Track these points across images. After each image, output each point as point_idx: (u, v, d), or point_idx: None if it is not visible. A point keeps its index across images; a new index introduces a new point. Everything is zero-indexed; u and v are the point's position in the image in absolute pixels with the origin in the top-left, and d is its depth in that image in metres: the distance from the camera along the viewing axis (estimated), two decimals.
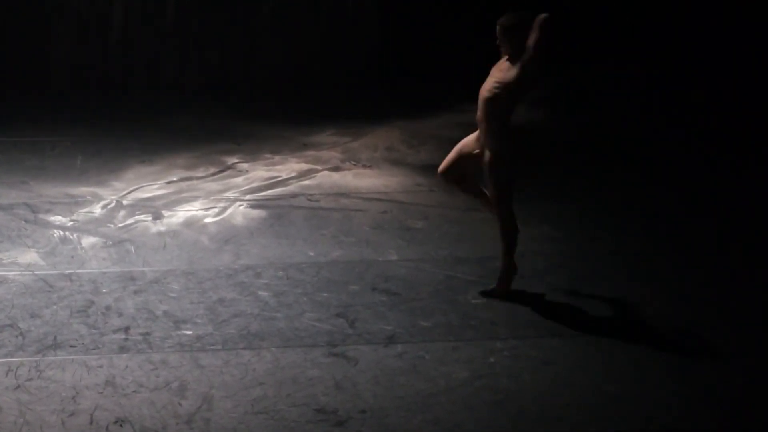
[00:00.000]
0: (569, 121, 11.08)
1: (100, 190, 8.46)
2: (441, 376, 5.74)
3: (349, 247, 7.50)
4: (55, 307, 6.38)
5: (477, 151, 6.62)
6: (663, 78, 12.13)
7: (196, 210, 8.12)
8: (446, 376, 5.75)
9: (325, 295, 6.69)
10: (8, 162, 9.11)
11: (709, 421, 5.45)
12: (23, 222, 7.71)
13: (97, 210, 8.03)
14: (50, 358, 5.76)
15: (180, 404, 5.37)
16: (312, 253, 7.36)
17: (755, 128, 10.69)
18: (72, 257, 7.13)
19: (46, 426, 5.13)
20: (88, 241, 7.42)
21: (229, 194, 8.49)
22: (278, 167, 9.22)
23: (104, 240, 7.45)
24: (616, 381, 5.77)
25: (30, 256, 7.10)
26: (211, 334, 6.11)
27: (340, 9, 12.34)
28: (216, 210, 8.12)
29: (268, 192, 8.59)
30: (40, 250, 7.22)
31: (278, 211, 8.15)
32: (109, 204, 8.15)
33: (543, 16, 6.29)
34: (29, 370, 5.62)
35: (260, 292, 6.69)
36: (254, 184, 8.74)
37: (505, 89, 6.41)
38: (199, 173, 9.01)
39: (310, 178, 9.00)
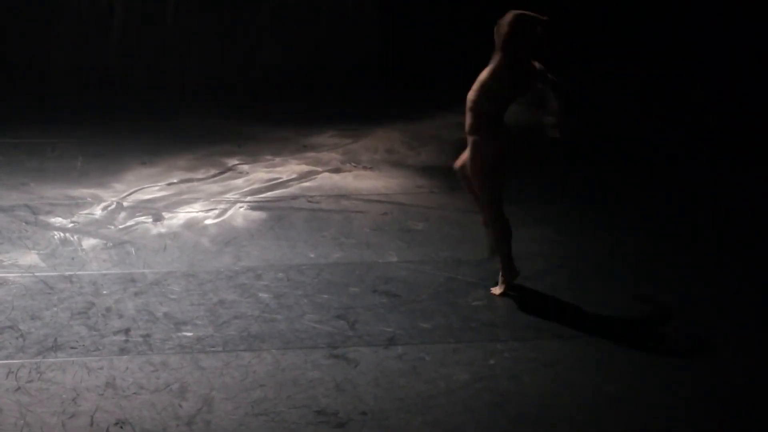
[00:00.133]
0: (569, 122, 11.05)
1: (100, 192, 8.46)
2: (441, 378, 5.74)
3: (350, 248, 7.50)
4: (55, 308, 6.38)
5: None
6: (662, 78, 12.12)
7: (197, 212, 8.12)
8: (446, 377, 5.75)
9: (325, 296, 6.69)
10: (8, 163, 9.11)
11: (709, 422, 5.45)
12: (24, 224, 7.71)
13: (98, 212, 8.03)
14: (51, 359, 5.77)
15: (180, 406, 5.38)
16: (312, 255, 7.36)
17: (755, 128, 10.68)
18: (72, 259, 7.14)
19: (47, 428, 5.14)
20: (88, 242, 7.43)
21: (230, 196, 8.50)
22: (279, 169, 9.22)
23: (105, 242, 7.45)
24: (617, 382, 5.77)
25: (30, 258, 7.11)
26: (211, 336, 6.11)
27: (339, 10, 12.34)
28: (216, 212, 8.13)
29: (269, 194, 8.60)
30: (41, 251, 7.22)
31: (279, 213, 8.15)
32: (109, 206, 8.15)
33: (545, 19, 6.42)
34: (30, 372, 5.63)
35: (261, 294, 6.69)
36: (255, 186, 8.75)
37: (481, 83, 6.55)
38: (200, 175, 9.01)
39: (310, 179, 9.00)
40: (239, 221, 7.96)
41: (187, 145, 9.80)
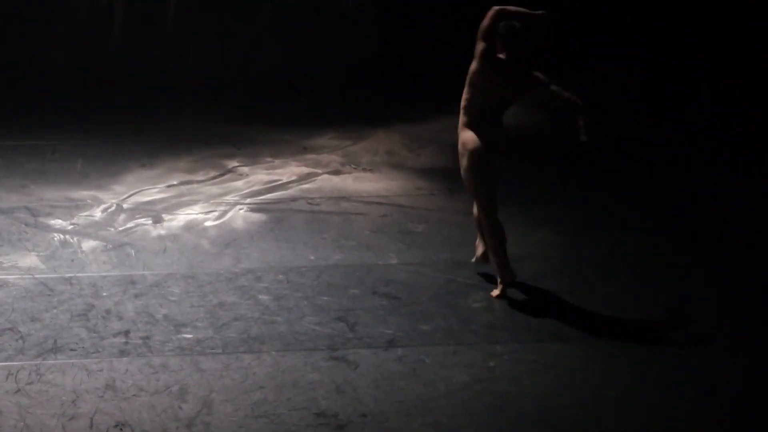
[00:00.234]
0: (569, 124, 11.05)
1: (100, 194, 8.46)
2: (441, 380, 5.74)
3: (350, 250, 7.50)
4: (55, 310, 6.38)
5: None
6: (662, 79, 12.12)
7: (197, 213, 8.12)
8: (446, 380, 5.75)
9: (325, 298, 6.69)
10: (8, 166, 9.11)
11: (709, 422, 5.45)
12: (23, 225, 7.71)
13: (98, 213, 8.03)
14: (50, 361, 5.77)
15: (180, 408, 5.37)
16: (312, 257, 7.36)
17: (755, 128, 10.68)
18: (72, 261, 7.14)
19: (46, 429, 5.13)
20: (88, 244, 7.43)
21: (230, 198, 8.50)
22: (278, 171, 9.22)
23: (104, 243, 7.45)
24: (617, 385, 5.77)
25: (30, 260, 7.11)
26: (211, 338, 6.11)
27: (339, 11, 12.35)
28: (216, 213, 8.13)
29: (269, 195, 8.60)
30: (41, 253, 7.22)
31: (278, 215, 8.15)
32: (109, 207, 8.15)
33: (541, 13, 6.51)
34: (29, 374, 5.63)
35: (260, 296, 6.69)
36: (254, 188, 8.75)
37: (469, 77, 6.65)
38: (200, 177, 9.01)
39: (310, 181, 9.00)
40: (239, 223, 7.96)
41: (186, 147, 9.80)
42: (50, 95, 11.53)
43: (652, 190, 9.07)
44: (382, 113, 11.14)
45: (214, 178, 9.01)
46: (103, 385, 5.55)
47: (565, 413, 5.47)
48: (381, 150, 9.95)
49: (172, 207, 8.23)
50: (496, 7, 6.60)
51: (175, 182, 8.84)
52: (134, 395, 5.47)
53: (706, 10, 12.38)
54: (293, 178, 9.04)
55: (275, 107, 11.41)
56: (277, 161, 9.49)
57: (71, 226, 7.74)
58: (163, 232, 7.73)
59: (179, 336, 6.12)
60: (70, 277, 6.86)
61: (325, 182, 9.01)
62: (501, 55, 6.59)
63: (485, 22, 6.60)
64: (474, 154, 6.57)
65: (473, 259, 7.12)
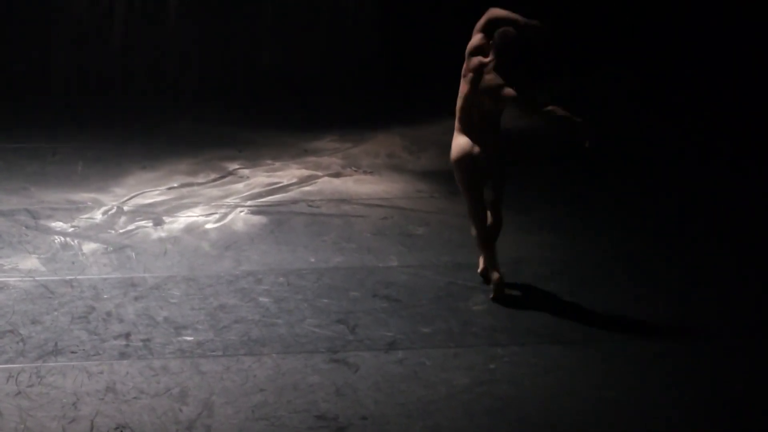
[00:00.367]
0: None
1: (101, 196, 8.46)
2: (442, 383, 5.74)
3: (350, 253, 7.50)
4: (55, 313, 6.38)
5: None
6: (661, 80, 12.12)
7: (197, 216, 8.12)
8: (447, 382, 5.75)
9: (325, 301, 6.69)
10: (9, 168, 9.11)
11: (709, 424, 5.45)
12: (24, 228, 7.71)
13: (98, 216, 8.03)
14: (51, 364, 5.77)
15: (181, 410, 5.38)
16: (313, 260, 7.36)
17: (755, 128, 10.68)
18: (73, 263, 7.14)
19: None
20: (88, 247, 7.43)
21: (230, 200, 8.50)
22: (279, 173, 9.21)
23: (105, 246, 7.45)
24: (617, 387, 5.77)
25: (31, 262, 7.11)
26: (211, 340, 6.11)
27: (340, 12, 12.34)
28: (217, 216, 8.13)
29: (269, 198, 8.59)
30: (41, 256, 7.23)
31: (279, 217, 8.15)
32: (110, 210, 8.15)
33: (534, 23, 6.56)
34: (30, 377, 5.63)
35: (261, 299, 6.69)
36: (255, 190, 8.75)
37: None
38: (200, 179, 9.01)
39: (310, 184, 9.00)
40: (240, 225, 7.96)
41: (187, 150, 9.79)
42: (50, 96, 11.52)
43: (653, 190, 9.07)
44: (382, 115, 11.13)
45: (214, 180, 9.01)
46: (103, 388, 5.55)
47: (566, 416, 5.47)
48: (381, 152, 9.95)
49: (173, 209, 8.23)
50: (491, 9, 6.67)
51: (175, 184, 8.84)
52: (135, 398, 5.47)
53: (706, 10, 12.38)
54: (294, 180, 9.04)
55: (275, 108, 11.40)
56: (277, 163, 9.49)
57: (72, 229, 7.74)
58: (163, 234, 7.73)
59: (180, 338, 6.12)
60: (71, 280, 6.86)
61: (326, 185, 9.01)
62: (486, 59, 6.56)
63: (480, 21, 6.69)
64: (455, 162, 6.63)
65: (478, 270, 7.06)
